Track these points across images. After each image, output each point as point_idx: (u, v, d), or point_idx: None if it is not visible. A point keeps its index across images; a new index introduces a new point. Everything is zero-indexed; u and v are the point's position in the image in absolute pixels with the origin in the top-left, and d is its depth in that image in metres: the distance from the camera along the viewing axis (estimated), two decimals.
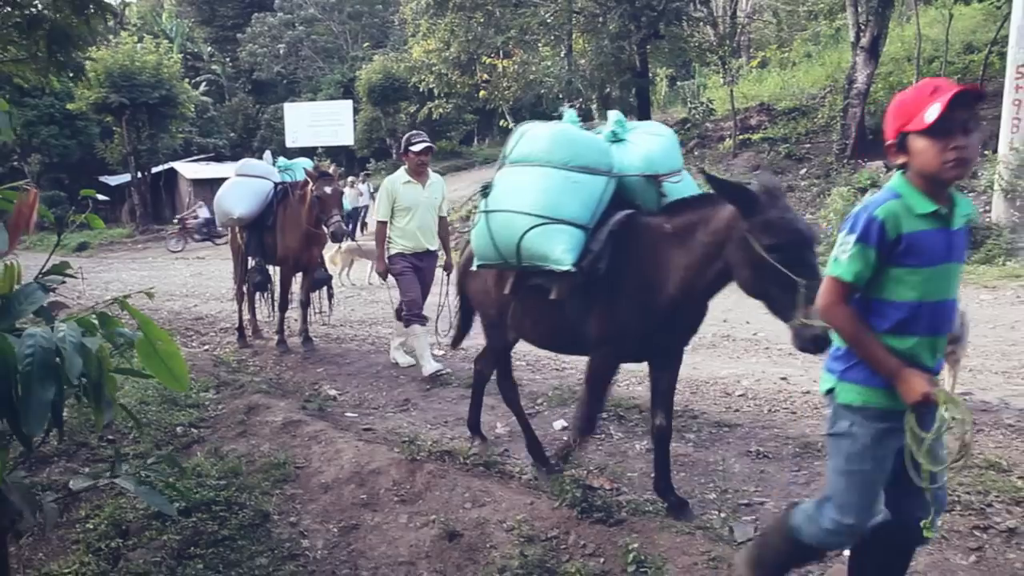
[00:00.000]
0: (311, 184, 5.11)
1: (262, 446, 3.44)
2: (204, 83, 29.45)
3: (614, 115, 2.82)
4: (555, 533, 2.50)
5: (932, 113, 1.52)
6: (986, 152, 8.57)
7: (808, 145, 11.83)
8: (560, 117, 2.90)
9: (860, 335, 1.63)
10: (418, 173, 4.60)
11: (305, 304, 5.60)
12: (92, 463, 3.19)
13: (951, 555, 2.31)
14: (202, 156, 26.81)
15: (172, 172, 24.97)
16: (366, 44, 29.20)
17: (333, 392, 4.47)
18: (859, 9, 10.73)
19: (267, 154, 6.18)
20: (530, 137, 2.68)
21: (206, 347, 5.92)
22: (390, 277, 4.71)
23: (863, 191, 9.37)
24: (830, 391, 1.74)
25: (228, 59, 32.14)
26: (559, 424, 3.68)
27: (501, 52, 15.07)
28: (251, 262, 5.66)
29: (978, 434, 3.28)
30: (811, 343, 1.92)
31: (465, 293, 3.41)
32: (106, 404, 1.64)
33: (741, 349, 4.98)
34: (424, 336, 4.58)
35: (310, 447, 3.37)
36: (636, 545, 2.32)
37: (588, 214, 2.52)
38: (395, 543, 2.63)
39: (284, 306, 5.57)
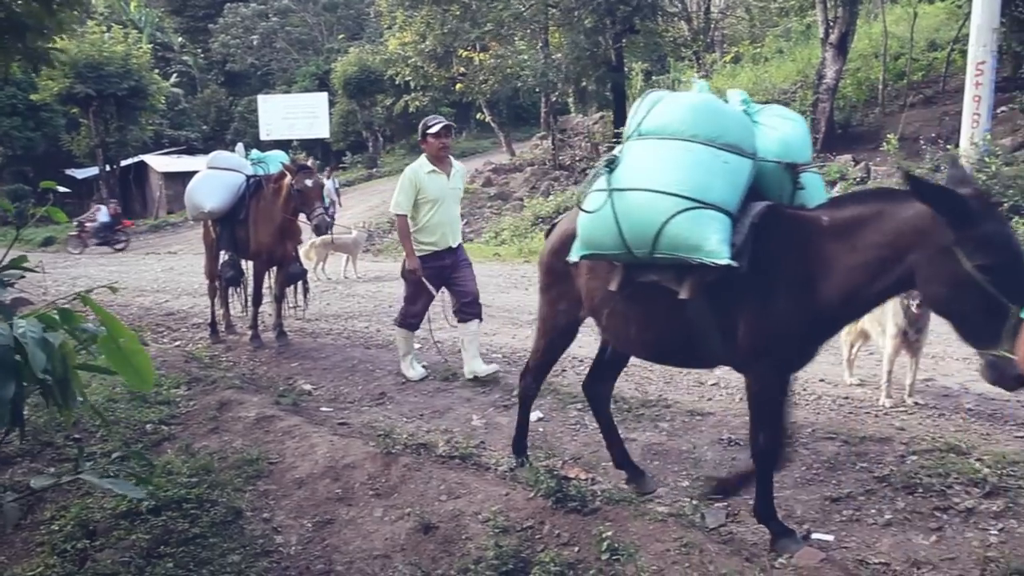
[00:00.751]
0: (289, 177, 5.00)
1: (234, 442, 3.40)
2: (175, 74, 28.72)
3: (739, 94, 2.50)
4: (530, 523, 2.51)
5: None
6: (948, 146, 8.83)
7: None
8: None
9: None
10: (440, 159, 4.21)
11: (279, 298, 5.52)
12: (57, 463, 3.12)
13: (913, 535, 2.39)
14: (173, 149, 26.20)
15: (142, 165, 24.35)
16: (341, 36, 28.78)
17: (308, 387, 4.43)
18: (828, 6, 10.92)
19: (239, 146, 6.05)
20: (667, 106, 2.30)
21: (178, 343, 5.81)
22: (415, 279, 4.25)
23: (832, 184, 9.56)
24: None
25: (200, 50, 31.39)
26: (535, 415, 3.69)
27: (477, 45, 14.98)
28: (223, 256, 5.54)
29: (939, 418, 3.40)
30: (1012, 380, 1.71)
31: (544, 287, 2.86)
32: (73, 401, 1.61)
33: None
34: (410, 340, 4.46)
35: (284, 442, 3.34)
36: (610, 533, 2.35)
37: (735, 200, 2.17)
38: (370, 537, 2.63)
39: (258, 301, 5.48)
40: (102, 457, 3.14)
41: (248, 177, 5.48)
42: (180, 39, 31.43)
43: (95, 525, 2.66)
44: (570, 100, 17.81)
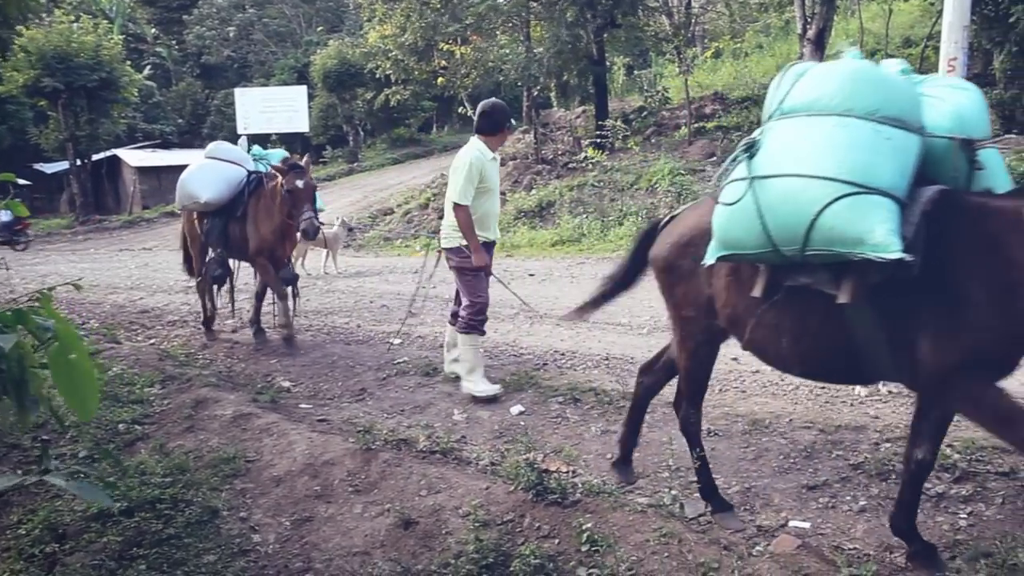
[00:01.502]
0: (280, 178, 4.75)
1: (211, 441, 3.34)
2: (148, 67, 28.05)
3: (897, 63, 2.17)
4: (510, 517, 2.51)
5: None
6: None
7: None
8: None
9: None
10: (496, 149, 3.91)
11: (260, 296, 5.39)
12: (24, 465, 3.03)
13: (886, 521, 2.43)
14: (148, 143, 25.61)
15: (115, 159, 23.76)
16: (320, 28, 28.35)
17: (287, 384, 4.37)
18: (806, 3, 11.03)
19: (242, 140, 5.78)
20: (816, 78, 1.98)
21: (152, 341, 5.68)
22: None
23: None
24: None
25: (174, 42, 30.69)
26: (516, 409, 3.69)
27: (459, 39, 14.86)
28: (210, 253, 5.22)
29: (912, 406, 3.46)
30: None
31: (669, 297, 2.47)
32: (31, 402, 1.55)
33: None
34: (479, 349, 3.96)
35: (261, 440, 3.29)
36: (590, 525, 2.36)
37: (904, 183, 1.83)
38: (349, 534, 2.60)
39: (284, 295, 5.04)
40: (71, 458, 3.07)
41: (249, 172, 5.19)
42: (153, 30, 30.71)
43: (64, 528, 2.60)
44: (552, 94, 17.77)
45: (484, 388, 3.81)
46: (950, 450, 2.82)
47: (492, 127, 3.84)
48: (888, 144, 1.84)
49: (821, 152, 1.85)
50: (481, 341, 3.98)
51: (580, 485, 2.68)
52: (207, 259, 5.28)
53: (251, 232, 5.03)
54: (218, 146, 5.46)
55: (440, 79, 16.04)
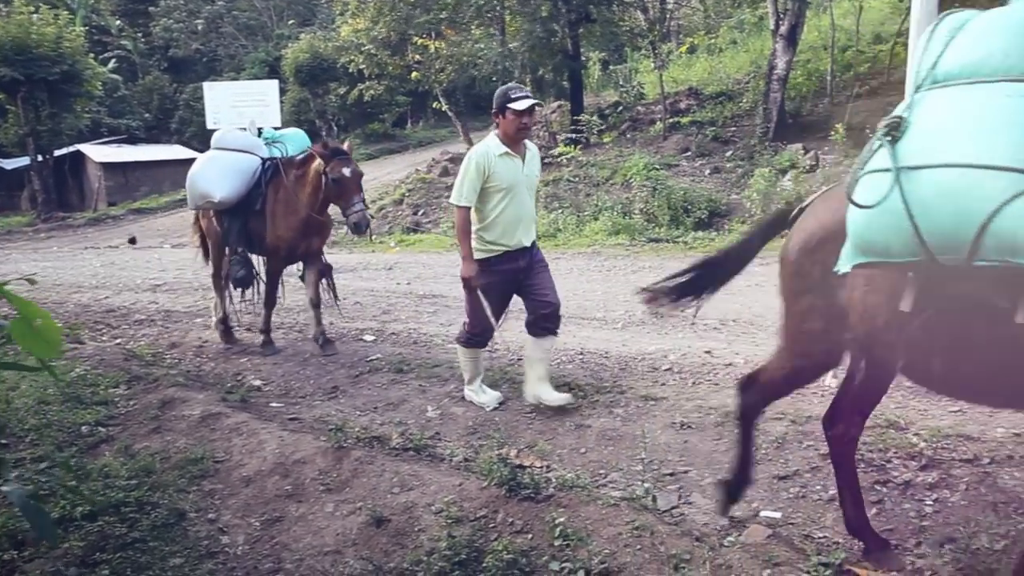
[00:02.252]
0: (318, 162, 4.28)
1: (178, 442, 3.26)
2: (113, 59, 27.20)
3: None
4: (483, 513, 2.50)
5: None
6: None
7: (733, 128, 12.31)
8: None
9: None
10: (516, 141, 3.43)
11: (316, 304, 4.84)
12: None
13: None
14: (113, 138, 24.87)
15: (79, 155, 23.02)
16: (292, 22, 27.87)
17: (257, 382, 4.29)
18: None
19: (251, 124, 5.38)
20: (979, 31, 1.54)
21: (118, 341, 5.52)
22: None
23: (783, 172, 9.84)
24: None
25: (140, 34, 29.83)
26: (491, 407, 3.67)
27: (433, 33, 14.72)
28: (231, 253, 4.74)
29: None
30: None
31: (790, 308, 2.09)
32: None
33: (669, 325, 5.14)
34: (477, 361, 3.65)
35: (230, 440, 3.23)
36: (563, 519, 2.36)
37: None
38: (321, 533, 2.56)
39: (272, 302, 4.77)
40: (32, 463, 2.97)
41: (264, 160, 4.70)
42: (118, 22, 29.77)
43: (24, 535, 2.50)
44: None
45: (486, 399, 3.62)
46: (916, 438, 2.89)
47: (493, 115, 3.42)
48: None
49: (993, 132, 1.42)
50: (483, 353, 3.70)
51: (553, 480, 2.69)
52: (229, 260, 4.80)
53: (268, 226, 4.56)
54: (224, 135, 4.90)
55: (414, 74, 15.88)
